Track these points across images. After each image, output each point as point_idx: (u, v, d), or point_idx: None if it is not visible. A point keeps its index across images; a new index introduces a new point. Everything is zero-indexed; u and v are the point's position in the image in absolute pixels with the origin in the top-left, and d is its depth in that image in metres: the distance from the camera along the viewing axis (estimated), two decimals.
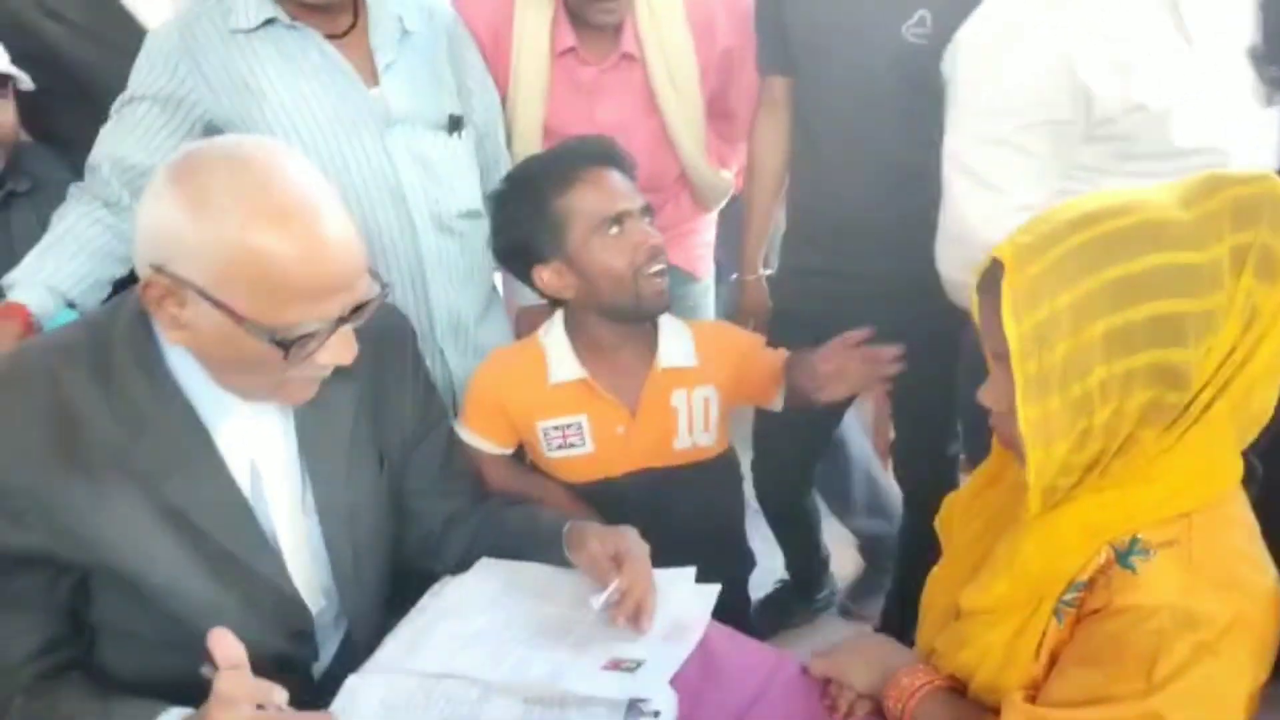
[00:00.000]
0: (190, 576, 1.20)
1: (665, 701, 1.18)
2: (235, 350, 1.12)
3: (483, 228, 1.92)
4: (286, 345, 1.12)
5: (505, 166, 2.00)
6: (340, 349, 1.17)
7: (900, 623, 1.38)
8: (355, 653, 1.33)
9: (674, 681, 1.23)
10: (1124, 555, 1.02)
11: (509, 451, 1.73)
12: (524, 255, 1.63)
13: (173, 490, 1.17)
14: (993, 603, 1.10)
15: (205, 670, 0.99)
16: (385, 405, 1.39)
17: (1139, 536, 1.02)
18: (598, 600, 1.30)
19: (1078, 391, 0.98)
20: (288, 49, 1.70)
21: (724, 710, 1.23)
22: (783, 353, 1.74)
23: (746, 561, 1.95)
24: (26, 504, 1.12)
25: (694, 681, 1.25)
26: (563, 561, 1.42)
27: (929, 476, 2.22)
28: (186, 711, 1.08)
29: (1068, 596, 1.05)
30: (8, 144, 1.79)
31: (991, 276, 1.04)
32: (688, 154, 2.15)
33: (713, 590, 1.39)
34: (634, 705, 1.17)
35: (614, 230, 1.56)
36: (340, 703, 1.21)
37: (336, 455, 1.33)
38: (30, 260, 1.68)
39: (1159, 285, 0.96)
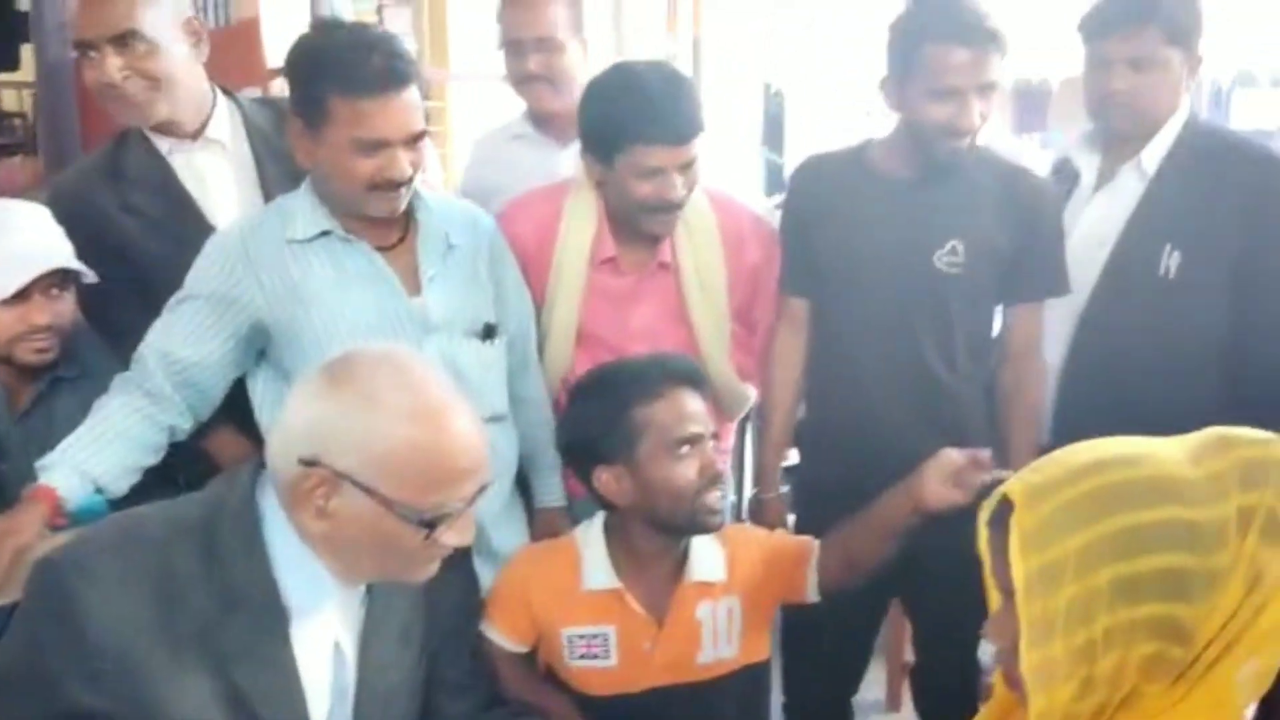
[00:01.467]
0: None
1: None
2: (378, 534, 1.19)
3: (507, 431, 1.95)
4: (431, 526, 1.19)
5: (534, 370, 2.06)
6: (465, 528, 1.24)
7: None
8: None
9: None
10: None
11: (525, 650, 1.71)
12: (588, 453, 1.66)
13: (241, 675, 1.21)
14: None
15: None
16: (436, 591, 1.41)
17: None
18: None
19: (1081, 638, 0.97)
20: (338, 258, 1.79)
21: None
22: (809, 540, 1.73)
23: None
24: (108, 666, 1.15)
25: None
26: None
27: (950, 710, 2.10)
28: None
29: None
30: (64, 334, 1.84)
31: (1000, 512, 1.05)
32: (714, 362, 2.17)
33: None
34: None
35: (683, 450, 1.60)
36: None
37: (390, 639, 1.35)
38: (66, 445, 1.72)
39: (1165, 539, 0.96)
